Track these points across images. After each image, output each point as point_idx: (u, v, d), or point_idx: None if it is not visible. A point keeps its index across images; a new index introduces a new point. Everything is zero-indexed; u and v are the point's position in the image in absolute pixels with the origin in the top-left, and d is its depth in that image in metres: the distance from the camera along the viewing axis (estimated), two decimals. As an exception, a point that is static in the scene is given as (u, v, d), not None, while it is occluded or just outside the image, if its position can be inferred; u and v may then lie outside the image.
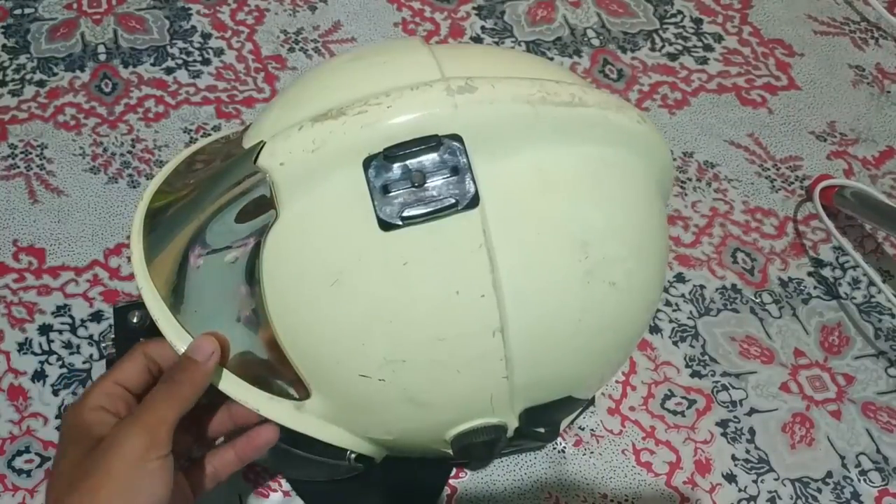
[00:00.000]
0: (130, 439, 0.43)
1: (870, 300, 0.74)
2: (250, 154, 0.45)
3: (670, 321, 0.71)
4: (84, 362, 0.65)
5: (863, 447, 0.67)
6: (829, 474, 0.65)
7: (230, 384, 0.48)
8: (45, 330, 0.67)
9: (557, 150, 0.45)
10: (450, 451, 0.49)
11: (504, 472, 0.63)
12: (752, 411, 0.67)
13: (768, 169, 0.82)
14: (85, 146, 0.77)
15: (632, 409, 0.67)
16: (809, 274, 0.76)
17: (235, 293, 0.46)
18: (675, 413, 0.67)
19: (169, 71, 0.83)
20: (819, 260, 0.76)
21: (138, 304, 0.59)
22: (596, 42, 0.90)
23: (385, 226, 0.42)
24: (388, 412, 0.47)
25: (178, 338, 0.48)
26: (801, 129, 0.85)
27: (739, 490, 0.64)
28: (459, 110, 0.42)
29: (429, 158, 0.42)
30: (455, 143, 0.42)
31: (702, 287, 0.74)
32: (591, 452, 0.64)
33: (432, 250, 0.42)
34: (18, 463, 0.61)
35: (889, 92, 0.88)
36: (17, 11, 0.87)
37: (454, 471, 0.63)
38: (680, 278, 0.74)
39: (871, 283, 0.75)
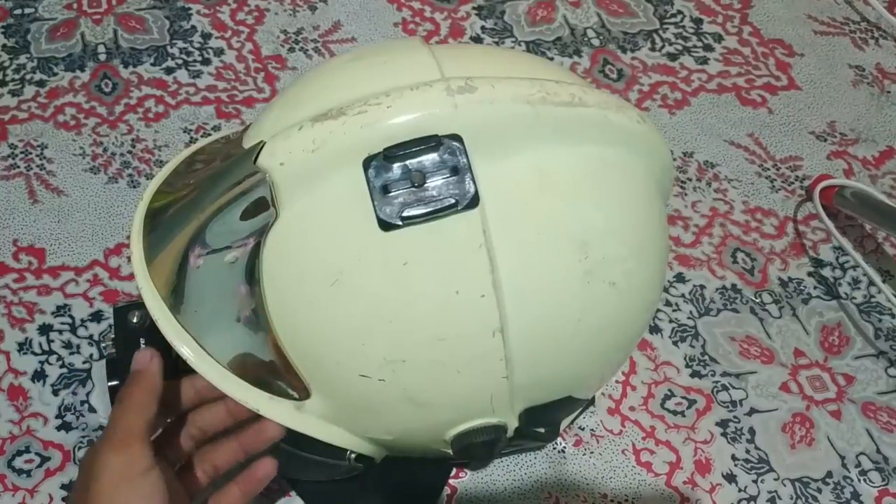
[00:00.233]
0: (108, 461, 0.43)
1: (870, 300, 0.74)
2: (250, 154, 0.45)
3: (670, 321, 0.71)
4: (84, 362, 0.65)
5: (863, 447, 0.67)
6: (829, 474, 0.65)
7: (230, 384, 0.48)
8: (45, 330, 0.67)
9: (557, 150, 0.45)
10: (450, 451, 0.49)
11: (504, 472, 0.63)
12: (752, 411, 0.67)
13: (768, 169, 0.82)
14: (85, 146, 0.77)
15: (632, 409, 0.67)
16: (809, 274, 0.76)
17: (235, 293, 0.46)
18: (675, 413, 0.67)
19: (169, 71, 0.83)
20: (819, 260, 0.76)
21: (138, 304, 0.59)
22: (596, 42, 0.90)
23: (385, 226, 0.42)
24: (388, 412, 0.47)
25: (178, 338, 0.48)
26: (801, 129, 0.85)
27: (739, 490, 0.64)
28: (459, 110, 0.42)
29: (429, 158, 0.42)
30: (455, 143, 0.42)
31: (702, 287, 0.74)
32: (591, 452, 0.64)
33: (432, 250, 0.43)
34: (18, 463, 0.61)
35: (889, 92, 0.88)
36: (17, 11, 0.87)
37: (454, 471, 0.63)
38: (680, 278, 0.74)
39: (871, 283, 0.75)
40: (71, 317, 0.67)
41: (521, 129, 0.43)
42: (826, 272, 0.76)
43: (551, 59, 0.87)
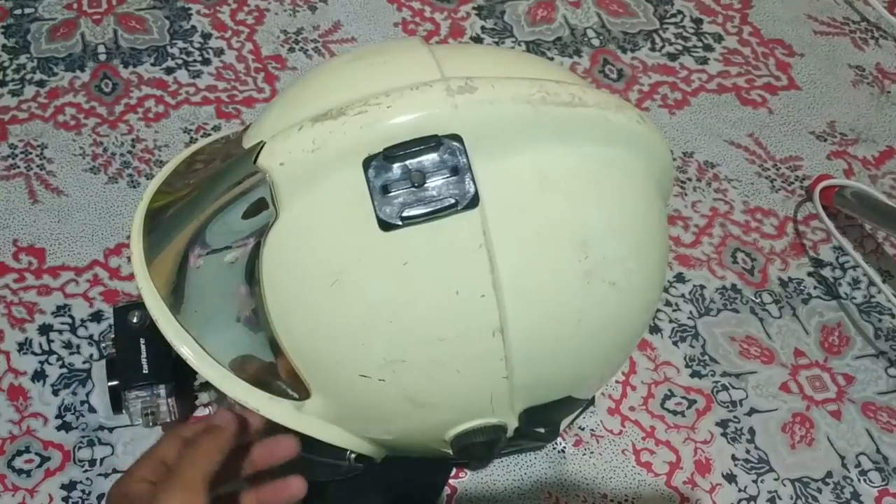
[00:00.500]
0: (172, 496, 0.43)
1: (870, 300, 0.74)
2: (250, 154, 0.45)
3: (670, 321, 0.71)
4: (84, 362, 0.65)
5: (863, 447, 0.67)
6: (829, 474, 0.65)
7: (231, 384, 0.48)
8: (45, 330, 0.67)
9: (557, 150, 0.45)
10: (450, 451, 0.49)
11: (504, 472, 0.63)
12: (752, 411, 0.67)
13: (768, 169, 0.82)
14: (85, 146, 0.77)
15: (632, 409, 0.67)
16: (809, 274, 0.75)
17: (235, 293, 0.46)
18: (675, 413, 0.67)
19: (169, 71, 0.83)
20: (819, 260, 0.76)
21: (138, 304, 0.59)
22: (596, 42, 0.90)
23: (385, 226, 0.42)
24: (387, 412, 0.47)
25: (178, 338, 0.48)
26: (801, 129, 0.85)
27: (739, 490, 0.64)
28: (459, 110, 0.42)
29: (429, 158, 0.42)
30: (455, 143, 0.42)
31: (702, 287, 0.74)
32: (591, 452, 0.64)
33: (432, 250, 0.42)
34: (18, 463, 0.61)
35: (889, 92, 0.88)
36: (17, 11, 0.87)
37: (454, 471, 0.63)
38: (680, 278, 0.74)
39: (871, 283, 0.75)
40: (71, 317, 0.67)
41: (521, 129, 0.43)
42: (826, 272, 0.76)
43: (551, 59, 0.87)
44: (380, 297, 0.43)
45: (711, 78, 0.88)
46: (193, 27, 0.86)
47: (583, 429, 0.65)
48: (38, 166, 0.75)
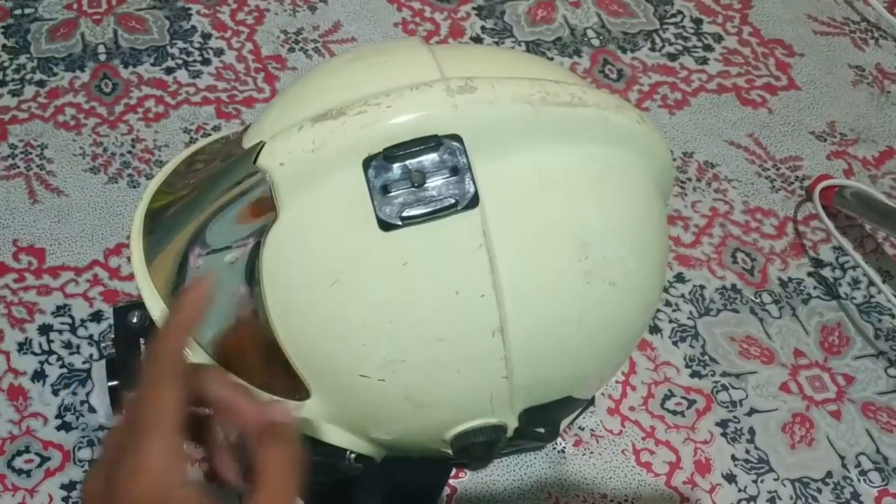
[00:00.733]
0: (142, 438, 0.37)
1: (870, 300, 0.74)
2: (250, 154, 0.45)
3: (670, 321, 0.71)
4: (84, 362, 0.65)
5: (863, 447, 0.67)
6: (829, 474, 0.65)
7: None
8: (45, 330, 0.67)
9: (557, 150, 0.44)
10: (449, 452, 0.49)
11: (504, 472, 0.63)
12: (752, 411, 0.67)
13: (768, 169, 0.82)
14: (85, 146, 0.77)
15: (632, 409, 0.67)
16: (809, 274, 0.76)
17: (235, 293, 0.46)
18: (674, 413, 0.67)
19: (169, 71, 0.83)
20: (819, 260, 0.76)
21: (138, 304, 0.59)
22: (596, 42, 0.90)
23: (385, 226, 0.42)
24: (387, 412, 0.47)
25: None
26: (801, 129, 0.85)
27: (739, 490, 0.64)
28: (459, 110, 0.42)
29: (428, 158, 0.42)
30: (455, 144, 0.42)
31: (702, 287, 0.74)
32: (591, 452, 0.64)
33: (432, 250, 0.42)
34: (18, 463, 0.61)
35: (889, 92, 0.88)
36: (17, 11, 0.87)
37: (454, 471, 0.63)
38: (680, 278, 0.74)
39: (871, 283, 0.75)
40: (71, 317, 0.67)
41: (521, 129, 0.43)
42: (826, 272, 0.76)
43: (551, 59, 0.87)
44: (380, 297, 0.43)
45: (711, 78, 0.88)
46: (193, 27, 0.86)
47: (583, 429, 0.65)
48: (38, 166, 0.75)
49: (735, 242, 0.77)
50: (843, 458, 0.66)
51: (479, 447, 0.49)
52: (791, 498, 0.64)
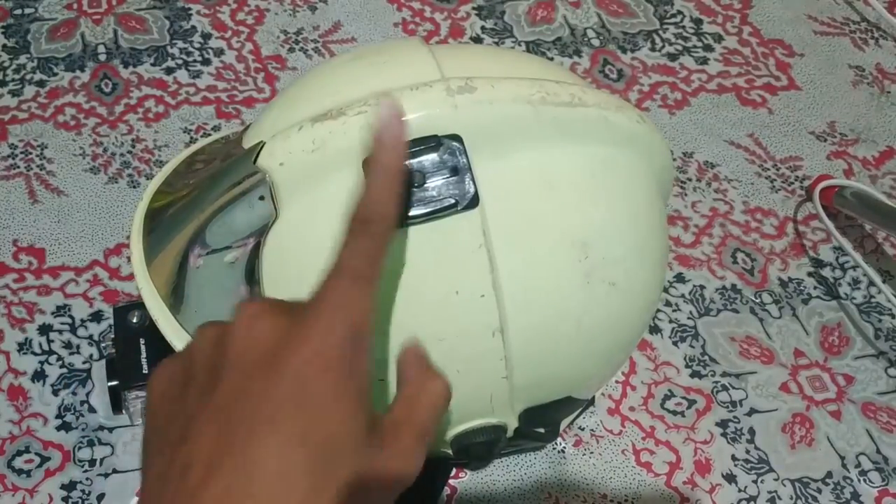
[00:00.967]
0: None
1: (870, 300, 0.74)
2: (250, 154, 0.45)
3: (670, 321, 0.71)
4: (84, 362, 0.65)
5: (863, 447, 0.67)
6: (829, 474, 0.65)
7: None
8: (45, 330, 0.67)
9: (557, 149, 0.45)
10: (449, 452, 0.49)
11: (504, 472, 0.63)
12: (752, 411, 0.67)
13: (768, 169, 0.82)
14: (85, 146, 0.77)
15: (632, 409, 0.67)
16: (809, 274, 0.75)
17: (235, 293, 0.46)
18: (674, 413, 0.67)
19: (169, 71, 0.83)
20: (819, 260, 0.76)
21: (138, 304, 0.59)
22: (596, 42, 0.90)
23: (385, 226, 0.42)
24: (387, 412, 0.47)
25: (178, 338, 0.48)
26: (801, 129, 0.85)
27: (739, 490, 0.64)
28: (459, 110, 0.42)
29: (428, 158, 0.42)
30: (455, 144, 0.42)
31: (702, 287, 0.74)
32: (591, 452, 0.64)
33: (432, 250, 0.42)
34: (18, 463, 0.61)
35: (889, 92, 0.88)
36: (17, 11, 0.87)
37: (454, 471, 0.63)
38: (680, 278, 0.74)
39: (871, 283, 0.75)
40: (71, 317, 0.67)
41: (521, 129, 0.43)
42: (826, 272, 0.76)
43: (551, 59, 0.87)
44: (379, 297, 0.43)
45: (711, 78, 0.88)
46: (193, 27, 0.86)
47: (583, 429, 0.65)
48: (38, 166, 0.75)
49: (735, 242, 0.77)
50: (843, 458, 0.66)
51: (480, 447, 0.49)
52: (791, 498, 0.64)
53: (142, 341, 0.58)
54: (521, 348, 0.44)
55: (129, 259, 0.62)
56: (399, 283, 0.43)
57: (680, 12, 0.93)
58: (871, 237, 0.78)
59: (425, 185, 0.42)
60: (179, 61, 0.84)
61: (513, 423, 0.49)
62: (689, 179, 0.80)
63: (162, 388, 0.33)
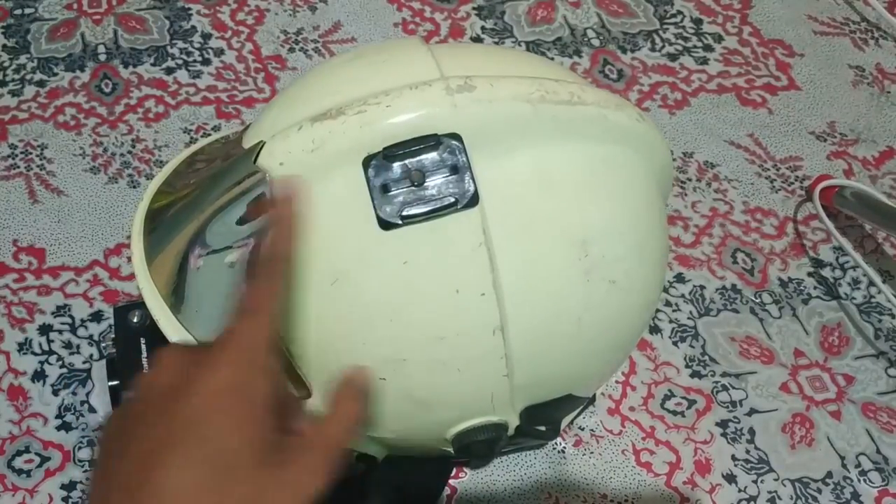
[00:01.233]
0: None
1: (870, 300, 0.74)
2: (250, 154, 0.45)
3: (670, 321, 0.71)
4: (84, 362, 0.65)
5: (863, 447, 0.67)
6: (829, 474, 0.65)
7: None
8: (45, 330, 0.67)
9: (557, 148, 0.45)
10: (450, 450, 0.49)
11: (504, 472, 0.63)
12: (752, 411, 0.67)
13: (768, 169, 0.82)
14: (85, 146, 0.77)
15: (632, 409, 0.67)
16: (809, 274, 0.76)
17: (236, 293, 0.46)
18: (675, 413, 0.67)
19: (169, 71, 0.83)
20: (819, 260, 0.76)
21: (138, 304, 0.59)
22: (596, 42, 0.90)
23: (385, 225, 0.42)
24: (388, 411, 0.47)
25: (178, 338, 0.48)
26: (801, 129, 0.85)
27: (739, 490, 0.64)
28: (458, 109, 0.42)
29: (428, 157, 0.42)
30: (454, 142, 0.42)
31: (702, 287, 0.74)
32: (591, 452, 0.64)
33: (432, 249, 0.43)
34: (18, 463, 0.61)
35: (889, 92, 0.89)
36: (17, 11, 0.87)
37: (454, 470, 0.63)
38: (680, 278, 0.74)
39: (871, 283, 0.75)
40: (71, 317, 0.67)
41: (521, 127, 0.43)
42: (826, 272, 0.76)
43: (551, 59, 0.87)
44: (380, 297, 0.43)
45: (711, 78, 0.88)
46: (193, 27, 0.86)
47: (583, 429, 0.65)
48: (38, 166, 0.75)
49: (735, 242, 0.77)
50: (843, 458, 0.66)
51: (481, 445, 0.49)
52: (791, 498, 0.64)
53: (142, 341, 0.58)
54: (522, 346, 0.44)
55: (129, 259, 0.62)
56: (399, 281, 0.43)
57: (680, 12, 0.93)
58: (871, 237, 0.78)
59: (425, 184, 0.42)
60: (179, 61, 0.84)
61: (514, 422, 0.49)
62: (689, 179, 0.80)
63: (106, 434, 0.37)
